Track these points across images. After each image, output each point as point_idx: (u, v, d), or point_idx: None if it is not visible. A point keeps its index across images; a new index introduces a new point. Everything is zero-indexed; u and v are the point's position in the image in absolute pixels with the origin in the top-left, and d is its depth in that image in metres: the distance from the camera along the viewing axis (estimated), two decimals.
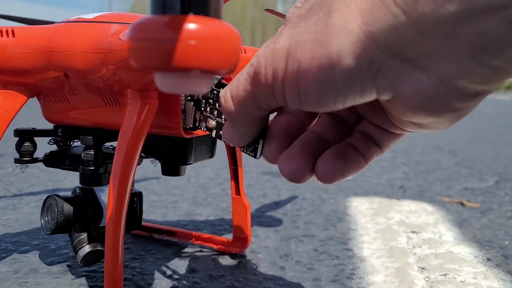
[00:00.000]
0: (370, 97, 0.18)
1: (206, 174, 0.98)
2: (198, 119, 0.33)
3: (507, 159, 1.39)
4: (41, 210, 0.44)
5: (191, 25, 0.21)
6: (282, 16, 0.42)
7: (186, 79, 0.22)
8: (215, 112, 0.30)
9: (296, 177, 0.21)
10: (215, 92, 0.29)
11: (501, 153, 1.51)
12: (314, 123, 0.24)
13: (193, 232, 0.57)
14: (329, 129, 0.23)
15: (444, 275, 0.50)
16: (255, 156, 0.23)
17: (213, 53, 0.21)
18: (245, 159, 0.50)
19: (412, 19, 0.15)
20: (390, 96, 0.17)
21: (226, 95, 0.21)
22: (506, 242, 0.62)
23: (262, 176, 1.00)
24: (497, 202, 0.85)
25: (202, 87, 0.23)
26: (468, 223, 0.71)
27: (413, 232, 0.65)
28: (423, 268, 0.52)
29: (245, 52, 0.44)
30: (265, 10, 0.39)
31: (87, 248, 0.42)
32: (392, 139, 0.23)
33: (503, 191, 0.95)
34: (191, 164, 0.41)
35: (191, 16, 0.21)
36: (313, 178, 0.22)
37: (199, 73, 0.21)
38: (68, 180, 0.88)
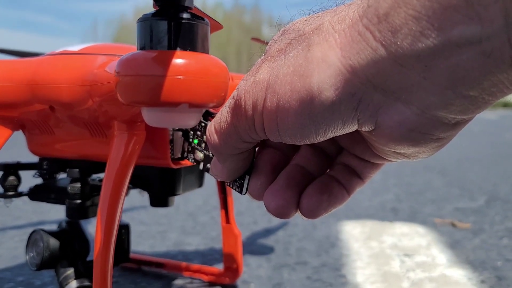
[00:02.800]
0: (351, 128, 0.18)
1: (195, 201, 0.97)
2: (186, 150, 0.32)
3: (496, 178, 1.40)
4: (26, 245, 0.43)
5: (178, 60, 0.20)
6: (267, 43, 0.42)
7: (174, 113, 0.21)
8: (203, 145, 0.29)
9: (282, 213, 0.21)
10: (203, 124, 0.28)
11: (490, 172, 1.53)
12: (296, 155, 0.24)
13: (183, 263, 0.55)
14: (311, 161, 0.23)
15: None
16: (241, 192, 0.23)
17: (200, 87, 0.21)
18: None
19: (392, 52, 0.15)
20: (372, 127, 0.17)
21: (211, 129, 0.21)
22: (499, 263, 0.62)
23: (252, 203, 0.99)
24: (488, 222, 0.86)
25: (190, 121, 0.22)
26: (461, 245, 0.71)
27: (406, 255, 0.65)
28: None
29: (232, 80, 0.44)
30: (252, 39, 0.39)
31: (73, 284, 0.41)
32: (373, 170, 0.23)
33: (493, 210, 0.96)
34: (180, 194, 0.40)
35: (178, 52, 0.21)
36: (297, 213, 0.22)
37: (187, 107, 0.21)
38: (53, 212, 0.86)
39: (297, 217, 0.73)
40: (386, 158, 0.21)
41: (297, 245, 0.69)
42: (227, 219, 0.50)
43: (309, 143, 0.19)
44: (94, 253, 0.32)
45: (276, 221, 0.84)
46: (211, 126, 0.21)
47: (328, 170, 0.23)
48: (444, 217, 0.88)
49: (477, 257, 0.64)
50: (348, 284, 0.54)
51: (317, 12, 0.19)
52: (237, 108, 0.20)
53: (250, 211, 0.91)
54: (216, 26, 0.26)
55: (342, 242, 0.71)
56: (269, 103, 0.18)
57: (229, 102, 0.21)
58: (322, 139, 0.18)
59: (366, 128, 0.18)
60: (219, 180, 0.23)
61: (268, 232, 0.77)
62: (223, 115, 0.21)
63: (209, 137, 0.21)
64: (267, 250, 0.66)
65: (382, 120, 0.17)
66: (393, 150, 0.19)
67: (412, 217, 0.88)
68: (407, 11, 0.14)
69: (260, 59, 0.20)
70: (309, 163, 0.22)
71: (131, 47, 0.42)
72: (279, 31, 0.21)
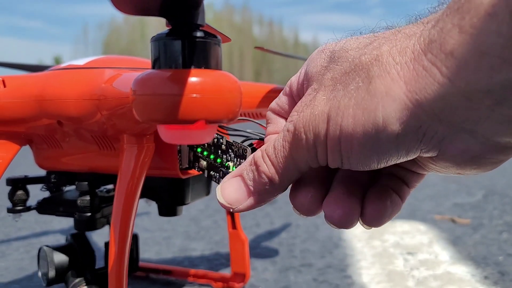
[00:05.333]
0: (413, 156, 0.18)
1: (197, 206, 0.98)
2: (192, 159, 0.33)
3: (492, 172, 1.41)
4: (37, 263, 0.43)
5: (193, 79, 0.21)
6: (271, 52, 0.42)
7: (190, 130, 0.22)
8: (205, 152, 0.30)
9: (346, 222, 0.21)
10: None
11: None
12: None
13: (190, 270, 0.56)
14: (361, 171, 0.23)
15: None
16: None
17: (216, 104, 0.21)
18: None
19: (460, 88, 0.15)
20: (434, 155, 0.18)
21: (266, 162, 0.21)
22: (501, 258, 0.63)
23: None
24: (487, 217, 0.87)
25: (206, 137, 0.23)
26: (462, 241, 0.72)
27: (409, 253, 0.66)
28: None
29: None
30: (255, 48, 0.40)
31: None
32: (419, 179, 0.23)
33: (491, 205, 0.97)
34: (188, 203, 0.40)
35: (193, 70, 0.21)
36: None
37: (203, 124, 0.21)
38: (56, 223, 0.86)
39: (299, 218, 0.73)
40: (437, 173, 0.21)
41: (301, 246, 0.70)
42: (234, 225, 0.51)
43: (369, 169, 0.19)
44: (109, 264, 0.32)
45: (278, 223, 0.84)
46: (264, 159, 0.21)
47: (377, 180, 0.23)
48: (444, 213, 0.89)
49: (479, 253, 0.65)
50: (354, 284, 0.54)
51: (366, 35, 0.20)
52: (296, 141, 0.20)
53: (252, 214, 0.91)
54: (225, 39, 0.27)
55: (345, 242, 0.72)
56: (331, 135, 0.18)
57: (283, 135, 0.21)
58: (382, 166, 0.19)
59: (427, 155, 0.18)
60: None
61: (271, 234, 0.77)
62: (277, 148, 0.21)
63: (264, 170, 0.21)
64: (271, 253, 0.67)
65: (446, 148, 0.17)
66: (452, 171, 0.19)
67: (412, 215, 0.89)
68: (477, 48, 0.15)
69: (311, 88, 0.20)
70: (359, 172, 0.22)
71: (135, 59, 0.42)
72: (322, 53, 0.21)
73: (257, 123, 0.32)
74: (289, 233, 0.78)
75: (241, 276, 0.52)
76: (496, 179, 1.29)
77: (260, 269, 0.60)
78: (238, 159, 0.27)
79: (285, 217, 0.88)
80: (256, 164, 0.22)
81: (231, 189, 0.22)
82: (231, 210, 0.23)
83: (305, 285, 0.54)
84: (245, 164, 0.23)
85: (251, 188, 0.22)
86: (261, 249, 0.69)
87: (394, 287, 0.53)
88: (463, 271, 0.58)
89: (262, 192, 0.22)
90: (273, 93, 0.45)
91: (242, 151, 0.26)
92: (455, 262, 0.61)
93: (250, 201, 0.22)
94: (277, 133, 0.24)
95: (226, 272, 0.54)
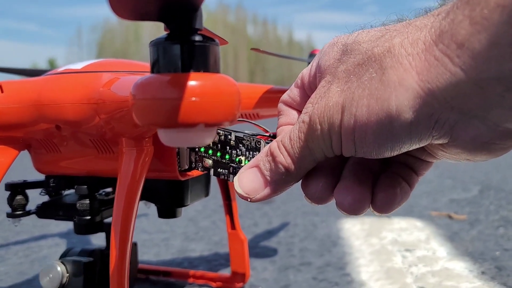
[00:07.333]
0: (425, 144, 0.19)
1: (194, 206, 0.98)
2: (194, 160, 0.33)
3: (488, 167, 1.42)
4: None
5: (192, 82, 0.21)
6: (268, 53, 0.43)
7: (190, 133, 0.22)
8: (210, 151, 0.30)
9: (357, 208, 0.22)
10: None
11: (481, 161, 1.55)
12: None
13: (190, 271, 0.56)
14: (370, 159, 0.23)
15: None
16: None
17: (215, 107, 0.22)
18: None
19: (471, 76, 0.16)
20: (445, 141, 0.18)
21: (282, 152, 0.22)
22: (497, 253, 0.63)
23: (250, 204, 1.00)
24: (483, 212, 0.87)
25: (206, 139, 0.23)
26: (459, 237, 0.72)
27: (407, 250, 0.66)
28: None
29: None
30: (251, 49, 0.40)
31: None
32: (428, 167, 0.24)
33: (487, 200, 0.98)
34: (187, 205, 0.41)
35: (192, 74, 0.21)
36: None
37: (203, 127, 0.22)
38: (53, 226, 0.86)
39: (297, 217, 0.74)
40: (446, 160, 0.22)
41: (300, 245, 0.70)
42: (233, 225, 0.51)
43: (381, 157, 0.20)
44: (110, 268, 0.32)
45: (276, 222, 0.85)
46: (280, 150, 0.22)
47: (387, 168, 0.24)
48: (440, 209, 0.90)
49: (476, 248, 0.66)
50: (353, 282, 0.55)
51: (377, 28, 0.20)
52: (312, 132, 0.21)
53: (249, 214, 0.92)
54: (222, 42, 0.27)
55: (343, 240, 0.72)
56: (346, 125, 0.19)
57: (298, 126, 0.21)
58: (395, 154, 0.19)
59: (438, 142, 0.19)
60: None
61: (269, 233, 0.77)
62: (293, 139, 0.22)
63: (281, 160, 0.22)
64: (270, 252, 0.67)
65: (457, 135, 0.18)
66: (462, 158, 0.20)
67: (409, 211, 0.89)
68: (488, 38, 0.15)
69: (324, 80, 0.21)
70: (368, 160, 0.23)
71: (132, 62, 0.42)
72: (334, 46, 0.21)
73: (254, 124, 0.32)
74: (287, 232, 0.78)
75: (241, 276, 0.52)
76: (491, 174, 1.30)
77: (260, 269, 0.60)
78: (251, 152, 0.27)
79: (283, 217, 0.89)
80: (272, 154, 0.23)
81: (248, 179, 0.23)
82: (249, 200, 0.24)
83: (305, 283, 0.55)
84: (261, 155, 0.24)
85: (268, 178, 0.23)
86: (260, 248, 0.69)
87: (393, 284, 0.53)
88: (460, 266, 0.59)
89: (279, 182, 0.23)
90: (270, 94, 0.45)
91: (255, 143, 0.27)
92: (453, 258, 0.62)
93: (267, 190, 0.23)
94: (289, 124, 0.25)
95: (226, 272, 0.55)
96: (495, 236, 0.72)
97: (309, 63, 0.25)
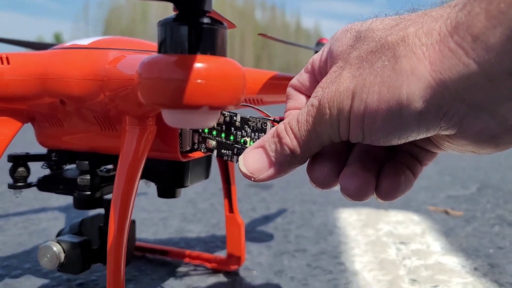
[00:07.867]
0: (432, 134, 0.19)
1: (194, 188, 0.98)
2: (197, 141, 0.33)
3: (487, 166, 1.42)
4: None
5: (199, 65, 0.21)
6: (275, 39, 0.42)
7: (194, 115, 0.22)
8: (214, 132, 0.30)
9: (361, 194, 0.22)
10: None
11: (481, 160, 1.55)
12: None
13: (186, 251, 0.57)
14: (376, 147, 0.23)
15: (435, 286, 0.51)
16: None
17: (220, 90, 0.22)
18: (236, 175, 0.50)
19: (484, 69, 0.16)
20: (452, 133, 0.19)
21: (289, 135, 0.22)
22: (491, 251, 0.64)
23: (249, 189, 1.01)
24: (480, 210, 0.88)
25: (209, 122, 0.23)
26: (454, 232, 0.73)
27: (402, 243, 0.67)
28: (414, 280, 0.53)
29: None
30: (259, 34, 0.40)
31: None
32: (432, 157, 0.24)
33: (485, 198, 0.98)
34: (187, 186, 0.41)
35: (198, 56, 0.21)
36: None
37: (207, 109, 0.22)
38: (54, 199, 0.87)
39: (295, 204, 0.74)
40: (451, 151, 0.22)
41: (296, 232, 0.71)
42: (231, 209, 0.51)
43: (388, 145, 0.20)
44: (108, 245, 0.33)
45: (274, 208, 0.85)
46: (287, 132, 0.22)
47: (392, 156, 0.24)
48: (438, 205, 0.91)
49: (470, 244, 0.67)
50: (347, 271, 0.56)
51: (392, 16, 0.20)
52: (320, 116, 0.21)
53: (247, 198, 0.92)
54: (230, 25, 0.27)
55: (339, 229, 0.73)
56: (355, 111, 0.19)
57: (307, 110, 0.21)
58: (402, 142, 0.20)
59: (445, 133, 0.19)
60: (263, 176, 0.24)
61: (267, 219, 0.78)
62: (301, 122, 0.22)
63: (287, 142, 0.22)
64: (267, 237, 0.68)
65: (465, 128, 0.18)
66: (467, 150, 0.20)
67: (406, 205, 0.90)
68: (504, 32, 0.15)
69: (336, 66, 0.21)
70: (374, 148, 0.23)
71: (139, 41, 0.42)
72: (347, 33, 0.21)
73: (258, 109, 0.32)
74: (284, 218, 0.79)
75: (236, 259, 0.53)
76: (491, 173, 1.30)
77: (255, 253, 0.61)
78: (256, 133, 0.27)
79: (281, 203, 0.89)
80: (279, 136, 0.23)
81: (253, 159, 0.24)
82: (252, 180, 0.24)
83: (299, 269, 0.55)
84: (267, 136, 0.24)
85: (273, 159, 0.23)
86: (256, 233, 0.70)
87: (386, 275, 0.54)
88: (453, 262, 0.59)
89: (283, 163, 0.23)
90: (275, 80, 0.45)
91: (262, 125, 0.27)
92: (447, 253, 0.63)
93: (271, 171, 0.23)
94: (297, 108, 0.25)
95: (222, 255, 0.55)
96: (490, 234, 0.72)
97: (316, 51, 0.25)
